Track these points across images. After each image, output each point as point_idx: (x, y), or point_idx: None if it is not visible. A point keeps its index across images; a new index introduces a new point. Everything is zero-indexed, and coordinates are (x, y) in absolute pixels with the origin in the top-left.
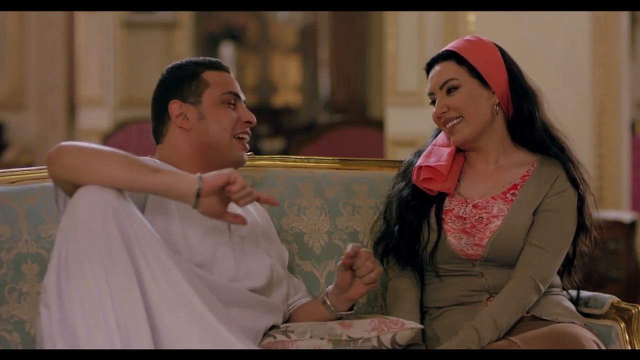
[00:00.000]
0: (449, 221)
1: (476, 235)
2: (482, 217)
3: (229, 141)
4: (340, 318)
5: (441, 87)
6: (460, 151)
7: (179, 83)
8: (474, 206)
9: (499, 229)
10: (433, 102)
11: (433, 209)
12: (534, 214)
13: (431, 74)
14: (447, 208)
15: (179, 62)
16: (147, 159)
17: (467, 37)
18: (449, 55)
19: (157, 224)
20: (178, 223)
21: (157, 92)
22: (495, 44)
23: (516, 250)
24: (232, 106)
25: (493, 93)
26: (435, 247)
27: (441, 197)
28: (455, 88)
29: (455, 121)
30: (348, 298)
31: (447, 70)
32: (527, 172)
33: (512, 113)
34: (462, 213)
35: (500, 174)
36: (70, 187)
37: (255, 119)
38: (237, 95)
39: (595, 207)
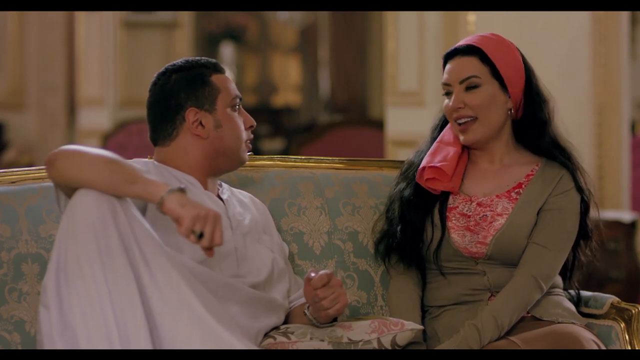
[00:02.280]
0: (453, 219)
1: (480, 232)
2: (486, 215)
3: (242, 147)
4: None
5: (461, 82)
6: (465, 148)
7: (191, 88)
8: (479, 204)
9: (503, 227)
10: (447, 94)
11: (437, 207)
12: (538, 214)
13: (451, 65)
14: (451, 206)
15: (178, 63)
16: (138, 162)
17: (489, 34)
18: (473, 50)
19: (159, 222)
20: None
21: (165, 95)
22: (516, 47)
23: (519, 249)
24: (237, 110)
25: (509, 97)
26: (439, 245)
27: (445, 194)
28: (476, 86)
29: (468, 119)
30: (316, 314)
31: (470, 65)
32: (532, 171)
33: (520, 117)
34: (467, 211)
35: (505, 173)
36: (69, 190)
37: (254, 122)
38: (240, 99)
39: (598, 216)
